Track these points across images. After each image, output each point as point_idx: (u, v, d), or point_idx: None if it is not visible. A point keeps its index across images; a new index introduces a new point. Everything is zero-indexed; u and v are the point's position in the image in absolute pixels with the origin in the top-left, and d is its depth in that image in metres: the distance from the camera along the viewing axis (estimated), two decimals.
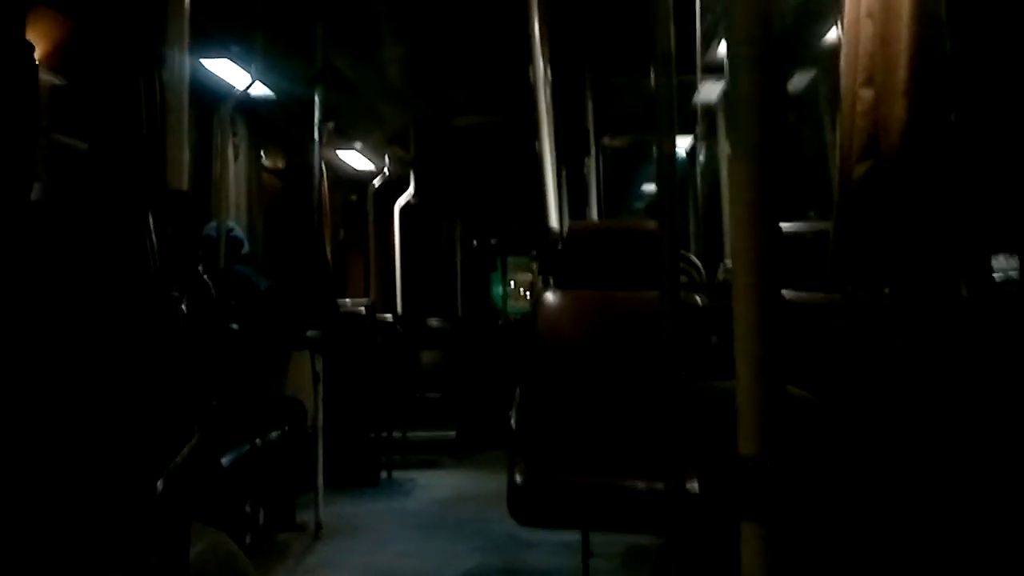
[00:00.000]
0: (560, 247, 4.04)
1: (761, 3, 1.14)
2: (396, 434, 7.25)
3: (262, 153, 7.22)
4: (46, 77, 2.09)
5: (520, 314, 10.76)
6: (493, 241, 11.45)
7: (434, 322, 9.20)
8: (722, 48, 4.67)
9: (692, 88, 4.89)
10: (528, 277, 11.55)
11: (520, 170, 7.63)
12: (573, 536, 4.16)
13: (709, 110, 5.88)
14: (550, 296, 3.75)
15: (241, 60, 5.30)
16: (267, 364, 4.79)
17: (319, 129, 5.63)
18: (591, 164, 7.41)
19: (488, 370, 8.40)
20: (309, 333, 5.00)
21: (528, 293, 11.72)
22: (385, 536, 5.23)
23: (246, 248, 4.89)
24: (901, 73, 2.36)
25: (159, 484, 1.85)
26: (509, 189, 9.93)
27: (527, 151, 4.83)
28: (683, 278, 3.85)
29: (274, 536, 4.92)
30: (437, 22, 5.75)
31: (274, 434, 4.47)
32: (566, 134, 6.75)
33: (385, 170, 8.93)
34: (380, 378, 6.91)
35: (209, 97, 5.54)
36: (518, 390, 3.46)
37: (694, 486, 2.47)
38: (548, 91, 4.59)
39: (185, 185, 2.74)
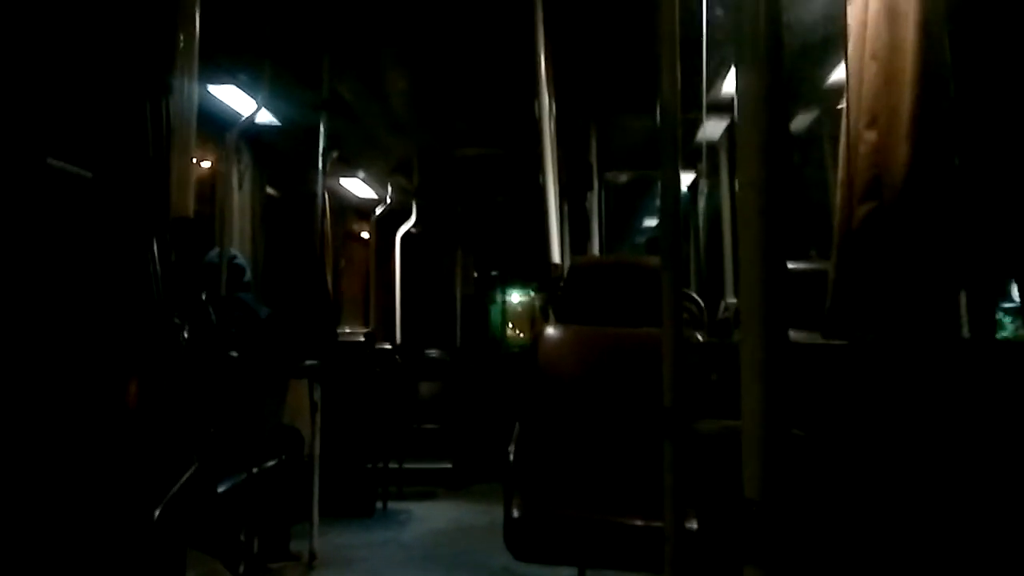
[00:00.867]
0: (562, 282, 4.04)
1: (771, 43, 1.15)
2: (392, 464, 7.22)
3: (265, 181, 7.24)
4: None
5: (519, 347, 10.75)
6: (494, 273, 11.45)
7: (433, 353, 9.19)
8: (727, 86, 4.70)
9: (695, 125, 4.91)
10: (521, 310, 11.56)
11: (522, 203, 7.66)
12: (570, 572, 4.13)
13: (712, 147, 5.91)
14: (551, 330, 3.75)
15: (247, 87, 5.33)
16: (265, 392, 4.77)
17: (323, 157, 5.66)
18: (593, 199, 7.43)
19: (486, 402, 8.38)
20: (308, 362, 5.00)
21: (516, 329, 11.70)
22: (379, 567, 5.19)
23: (247, 276, 4.89)
24: (905, 115, 2.37)
25: (157, 511, 1.84)
26: (511, 221, 9.96)
27: (530, 184, 4.85)
28: (684, 315, 3.85)
29: (268, 565, 4.89)
30: (443, 54, 5.79)
31: (271, 462, 4.44)
32: (569, 168, 6.78)
33: (388, 199, 8.95)
34: (378, 408, 6.89)
35: (214, 124, 5.57)
36: (517, 424, 3.45)
37: (693, 524, 2.46)
38: (553, 125, 4.61)
39: (191, 211, 2.75)
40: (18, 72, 1.84)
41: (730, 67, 3.99)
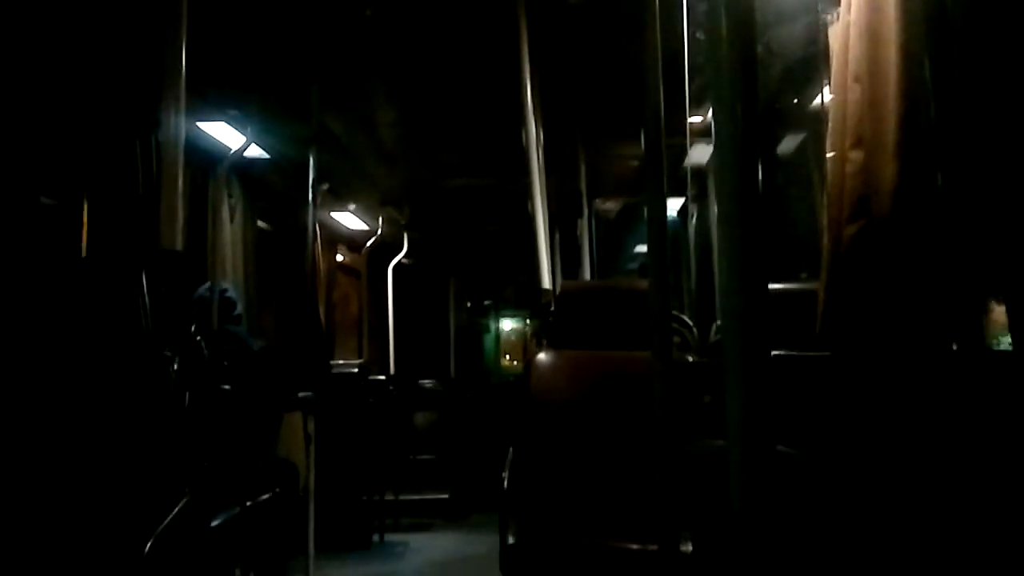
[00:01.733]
0: (552, 307, 4.05)
1: (747, 72, 1.16)
2: (388, 496, 7.18)
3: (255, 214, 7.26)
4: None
5: (514, 376, 10.73)
6: (487, 302, 11.46)
7: (427, 383, 9.18)
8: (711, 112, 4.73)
9: (683, 151, 4.94)
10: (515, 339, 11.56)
11: (514, 232, 7.69)
12: None
13: (699, 172, 5.94)
14: (543, 356, 3.76)
15: (237, 122, 5.35)
16: (259, 425, 4.76)
17: (313, 190, 5.68)
18: (584, 226, 7.46)
19: (482, 431, 8.35)
20: (301, 394, 4.98)
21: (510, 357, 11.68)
22: None
23: (238, 309, 4.89)
24: (891, 136, 2.39)
25: (148, 545, 1.83)
26: (503, 251, 9.98)
27: (521, 213, 4.87)
28: (676, 339, 3.86)
29: None
30: (431, 86, 5.83)
31: (265, 496, 4.42)
32: (559, 196, 6.81)
33: (379, 231, 8.98)
34: (373, 439, 6.86)
35: (205, 158, 5.58)
36: (511, 450, 3.45)
37: (687, 547, 2.45)
38: (540, 153, 4.64)
39: (179, 245, 2.75)
40: (11, 110, 1.85)
41: None
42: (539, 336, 4.40)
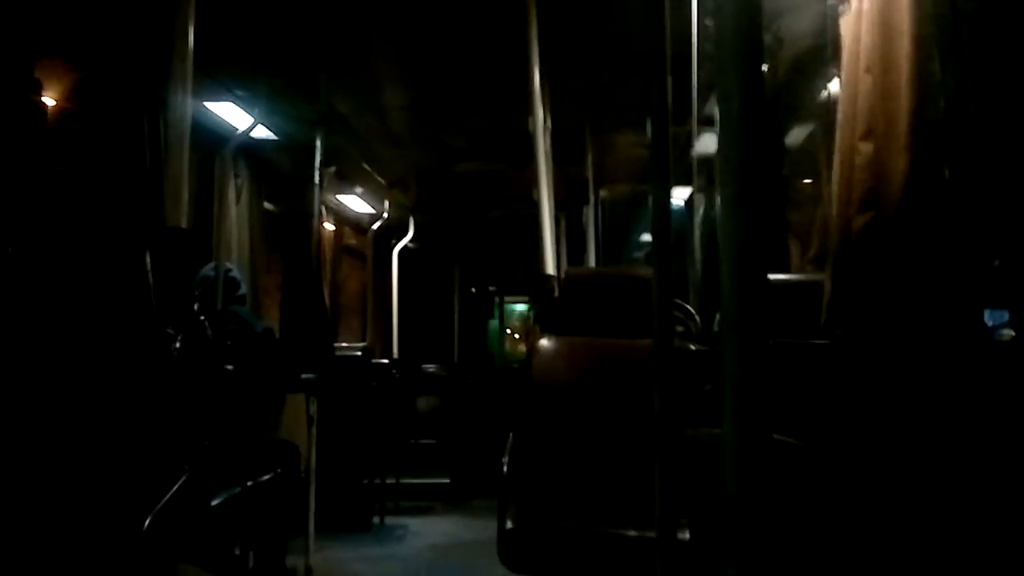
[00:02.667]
0: (556, 293, 4.05)
1: (753, 60, 1.15)
2: (389, 479, 7.20)
3: (262, 195, 7.26)
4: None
5: (517, 362, 10.73)
6: (491, 287, 11.45)
7: (431, 367, 9.18)
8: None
9: (691, 139, 4.93)
10: (519, 325, 11.54)
11: (520, 218, 7.68)
12: None
13: (706, 161, 5.92)
14: (545, 342, 3.75)
15: (244, 103, 5.34)
16: (261, 406, 4.77)
17: (320, 173, 5.68)
18: (590, 213, 7.45)
19: (485, 417, 8.36)
20: (304, 376, 4.99)
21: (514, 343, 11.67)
22: None
23: (243, 289, 4.89)
24: (902, 127, 2.39)
25: (147, 521, 1.84)
26: (509, 236, 9.97)
27: (527, 199, 4.86)
28: (679, 328, 3.85)
29: None
30: (440, 70, 5.82)
31: (266, 476, 4.43)
32: (566, 183, 6.79)
33: (384, 214, 8.97)
34: (375, 422, 6.87)
35: (212, 138, 5.58)
36: (511, 435, 3.45)
37: (685, 535, 2.45)
38: (547, 139, 4.63)
39: (184, 223, 2.75)
40: (22, 80, 1.85)
41: None
42: (541, 322, 4.39)
